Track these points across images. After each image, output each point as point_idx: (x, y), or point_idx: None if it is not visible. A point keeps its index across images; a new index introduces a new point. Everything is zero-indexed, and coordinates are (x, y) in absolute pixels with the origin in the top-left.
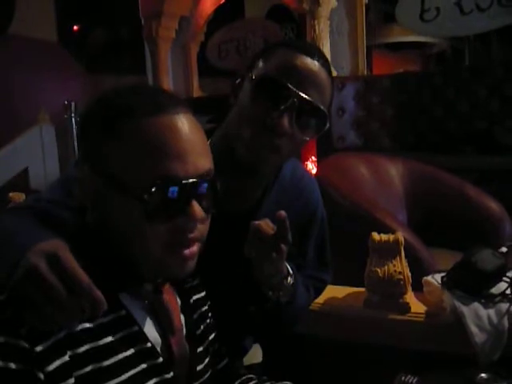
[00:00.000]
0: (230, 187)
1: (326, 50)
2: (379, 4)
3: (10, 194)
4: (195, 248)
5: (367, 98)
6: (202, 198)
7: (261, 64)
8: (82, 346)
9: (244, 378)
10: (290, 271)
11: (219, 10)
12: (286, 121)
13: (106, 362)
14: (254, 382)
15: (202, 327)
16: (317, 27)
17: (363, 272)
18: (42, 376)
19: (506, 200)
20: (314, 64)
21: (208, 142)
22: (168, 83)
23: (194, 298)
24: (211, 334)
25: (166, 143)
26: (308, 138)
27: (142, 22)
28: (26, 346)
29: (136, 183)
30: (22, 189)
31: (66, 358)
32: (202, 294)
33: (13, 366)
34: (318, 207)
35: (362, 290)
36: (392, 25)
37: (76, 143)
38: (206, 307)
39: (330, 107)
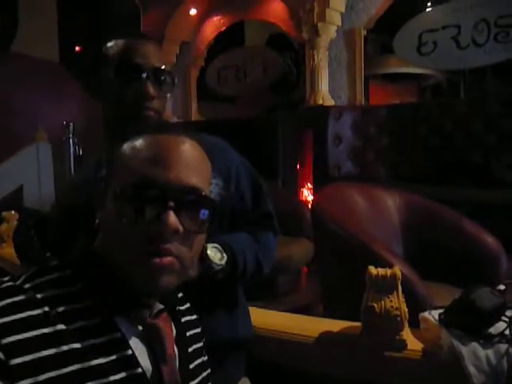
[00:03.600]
0: None
1: (325, 80)
2: (377, 35)
3: (3, 214)
4: (169, 260)
5: (364, 127)
6: (184, 214)
7: None
8: (69, 365)
9: None
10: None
11: (220, 37)
12: None
13: (101, 380)
14: None
15: (195, 362)
16: (316, 57)
17: (360, 305)
18: None
19: (501, 234)
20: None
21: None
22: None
23: (190, 332)
24: (205, 371)
25: (155, 151)
26: None
27: None
28: (1, 357)
29: (117, 185)
30: (15, 207)
31: (42, 378)
32: (198, 330)
33: None
34: (238, 159)
35: (358, 324)
36: (389, 56)
37: (72, 164)
38: (200, 344)
39: None
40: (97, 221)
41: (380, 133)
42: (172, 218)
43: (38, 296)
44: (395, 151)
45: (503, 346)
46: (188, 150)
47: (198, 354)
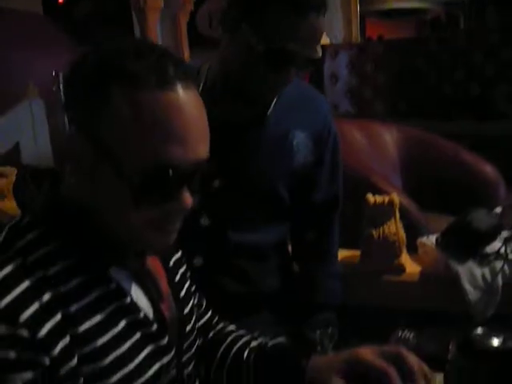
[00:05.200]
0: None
1: None
2: None
3: (1, 169)
4: (179, 224)
5: (361, 65)
6: (193, 184)
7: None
8: (80, 325)
9: (221, 327)
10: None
11: None
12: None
13: (103, 339)
14: (230, 331)
15: (184, 288)
16: None
17: (359, 234)
18: (47, 361)
19: (501, 165)
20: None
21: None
22: None
23: (173, 259)
24: (193, 294)
25: (168, 123)
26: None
27: None
28: (26, 334)
29: (129, 161)
30: (13, 164)
31: (67, 339)
32: (178, 255)
33: (13, 355)
34: (331, 120)
35: (358, 252)
36: None
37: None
38: (183, 268)
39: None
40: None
41: (377, 70)
42: (188, 196)
43: (27, 262)
44: (393, 88)
45: (499, 264)
46: (198, 113)
47: (183, 279)
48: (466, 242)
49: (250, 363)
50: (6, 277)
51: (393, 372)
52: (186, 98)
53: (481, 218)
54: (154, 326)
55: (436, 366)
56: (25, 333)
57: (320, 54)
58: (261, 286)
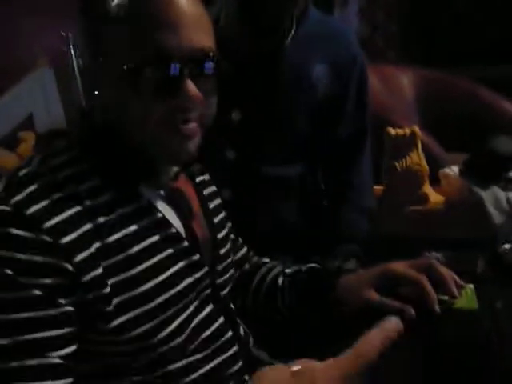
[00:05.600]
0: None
1: None
2: None
3: (20, 133)
4: (194, 126)
5: (371, 13)
6: (201, 79)
7: None
8: (108, 236)
9: (256, 259)
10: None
11: None
12: None
13: (134, 249)
14: (264, 262)
15: (219, 217)
16: None
17: (380, 172)
18: (70, 267)
19: None
20: None
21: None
22: None
23: (207, 191)
24: (228, 223)
25: (156, 13)
26: None
27: None
28: (49, 239)
29: (125, 58)
30: None
31: (93, 249)
32: (213, 188)
33: (39, 258)
34: (357, 51)
35: (381, 187)
36: None
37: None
38: (218, 201)
39: None
40: (91, 93)
41: (389, 18)
42: (192, 88)
43: (59, 177)
44: (405, 35)
45: None
46: (190, 4)
47: (218, 209)
48: (489, 168)
49: (284, 287)
50: (36, 189)
51: (425, 280)
52: None
53: (503, 144)
54: (186, 243)
55: (466, 279)
56: (47, 238)
57: None
58: (287, 223)
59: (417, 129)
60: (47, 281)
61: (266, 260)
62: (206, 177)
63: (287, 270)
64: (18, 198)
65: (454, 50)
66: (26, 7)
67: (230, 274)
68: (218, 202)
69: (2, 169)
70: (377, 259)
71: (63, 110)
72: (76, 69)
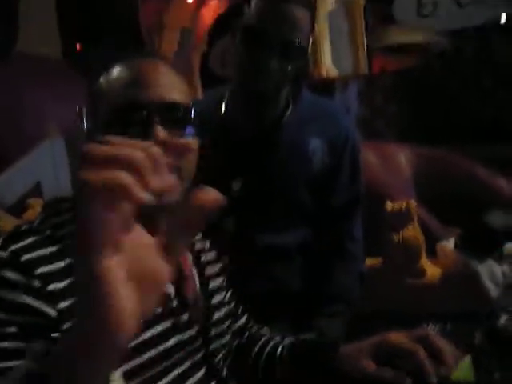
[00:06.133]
0: (245, 113)
1: (327, 52)
2: (377, 5)
3: (28, 200)
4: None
5: (370, 96)
6: (171, 131)
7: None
8: None
9: (256, 329)
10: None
11: (221, 19)
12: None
13: None
14: (264, 333)
15: (216, 282)
16: (316, 28)
17: (377, 245)
18: (52, 312)
19: None
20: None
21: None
22: None
23: (205, 257)
24: (226, 290)
25: (134, 73)
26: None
27: (144, 37)
28: (38, 285)
29: (100, 112)
30: None
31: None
32: (213, 254)
33: (23, 299)
34: (349, 127)
35: (378, 260)
36: (391, 27)
37: None
38: (217, 267)
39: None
40: None
41: (387, 101)
42: (160, 131)
43: (58, 234)
44: (404, 117)
45: None
46: (165, 70)
47: (216, 275)
48: (484, 241)
49: (283, 359)
50: (34, 241)
51: (421, 351)
52: (150, 61)
53: (497, 218)
54: (174, 303)
55: (463, 351)
56: (36, 283)
57: (296, 41)
58: (282, 285)
59: (413, 203)
60: (26, 320)
61: (265, 330)
62: (207, 244)
63: (286, 342)
64: (15, 246)
65: (450, 130)
66: (40, 81)
67: (225, 339)
68: (217, 268)
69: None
70: (374, 330)
71: (71, 179)
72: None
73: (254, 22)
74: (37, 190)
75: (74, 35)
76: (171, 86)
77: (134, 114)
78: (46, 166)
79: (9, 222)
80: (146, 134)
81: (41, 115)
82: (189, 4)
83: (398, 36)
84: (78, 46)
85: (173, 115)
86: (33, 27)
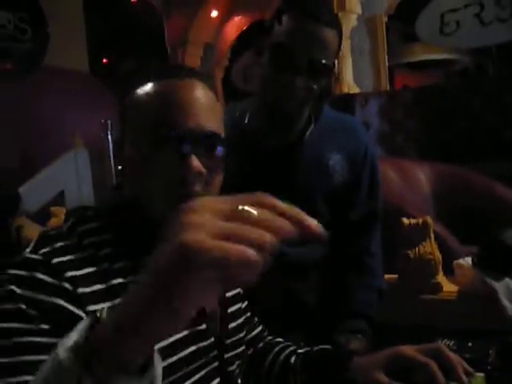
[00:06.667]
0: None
1: (348, 69)
2: (399, 23)
3: (52, 208)
4: (195, 193)
5: (391, 112)
6: (204, 156)
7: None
8: (118, 297)
9: (270, 338)
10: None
11: (243, 35)
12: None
13: None
14: (278, 341)
15: (232, 292)
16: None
17: (395, 260)
18: (83, 315)
19: None
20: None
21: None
22: None
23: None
24: (242, 301)
25: (172, 97)
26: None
27: (169, 50)
28: (69, 287)
29: (135, 129)
30: None
31: (103, 306)
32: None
33: (57, 301)
34: (368, 142)
35: (395, 276)
36: (412, 44)
37: (112, 162)
38: (239, 305)
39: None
40: (119, 168)
41: (407, 117)
42: (196, 162)
43: (84, 242)
44: (424, 134)
45: None
46: (203, 94)
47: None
48: (501, 261)
49: (296, 368)
50: (62, 246)
51: (434, 365)
52: (187, 82)
53: None
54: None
55: (477, 368)
56: (68, 286)
57: (323, 61)
58: (299, 300)
59: (429, 219)
60: (59, 319)
61: (280, 339)
62: None
63: (300, 351)
64: (45, 249)
65: (471, 147)
66: (66, 96)
67: (240, 349)
68: (237, 306)
69: (31, 241)
70: (388, 344)
71: (93, 189)
72: (111, 151)
73: (284, 40)
74: (60, 199)
75: (101, 49)
76: (208, 113)
77: (168, 136)
78: (70, 176)
79: (32, 229)
80: (180, 159)
81: (66, 127)
82: (212, 20)
83: (420, 53)
84: (104, 60)
85: (208, 143)
86: (61, 41)
